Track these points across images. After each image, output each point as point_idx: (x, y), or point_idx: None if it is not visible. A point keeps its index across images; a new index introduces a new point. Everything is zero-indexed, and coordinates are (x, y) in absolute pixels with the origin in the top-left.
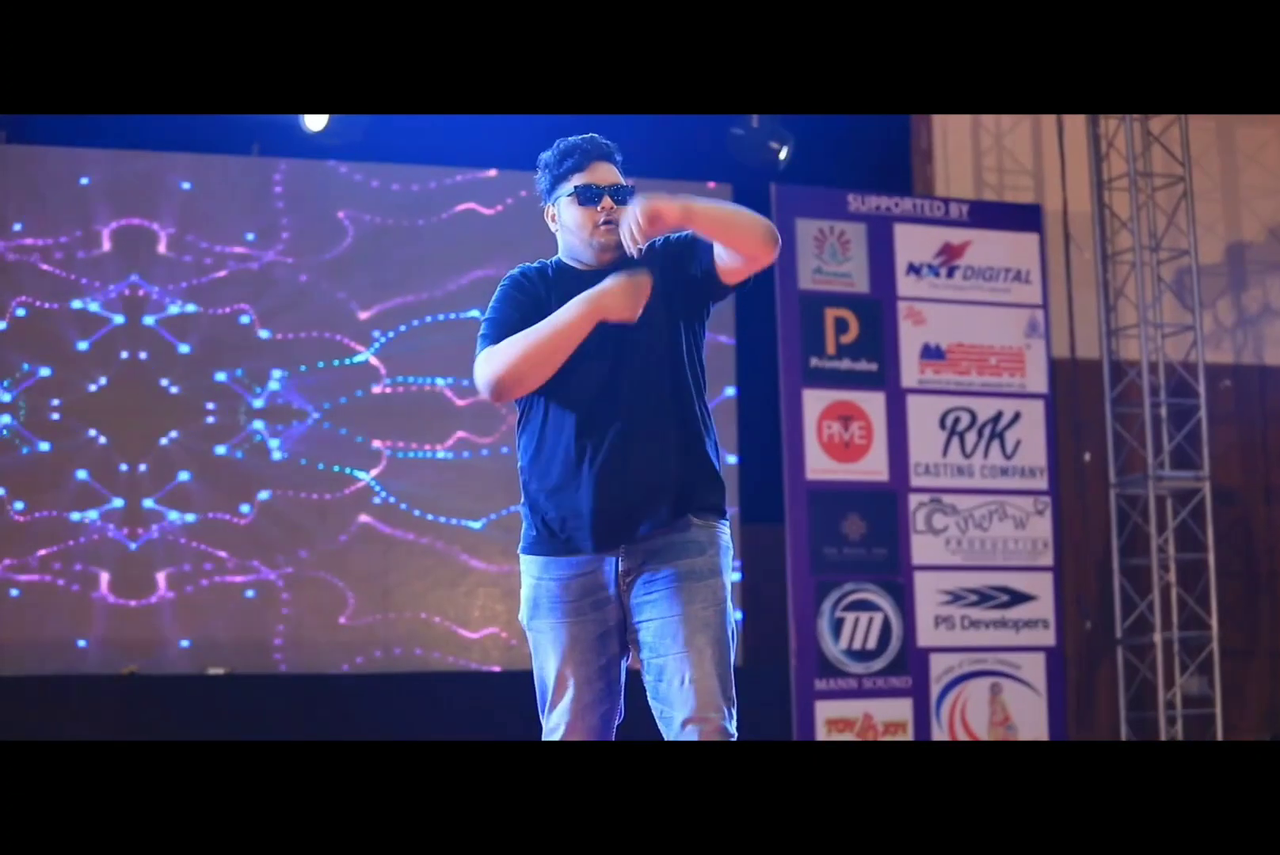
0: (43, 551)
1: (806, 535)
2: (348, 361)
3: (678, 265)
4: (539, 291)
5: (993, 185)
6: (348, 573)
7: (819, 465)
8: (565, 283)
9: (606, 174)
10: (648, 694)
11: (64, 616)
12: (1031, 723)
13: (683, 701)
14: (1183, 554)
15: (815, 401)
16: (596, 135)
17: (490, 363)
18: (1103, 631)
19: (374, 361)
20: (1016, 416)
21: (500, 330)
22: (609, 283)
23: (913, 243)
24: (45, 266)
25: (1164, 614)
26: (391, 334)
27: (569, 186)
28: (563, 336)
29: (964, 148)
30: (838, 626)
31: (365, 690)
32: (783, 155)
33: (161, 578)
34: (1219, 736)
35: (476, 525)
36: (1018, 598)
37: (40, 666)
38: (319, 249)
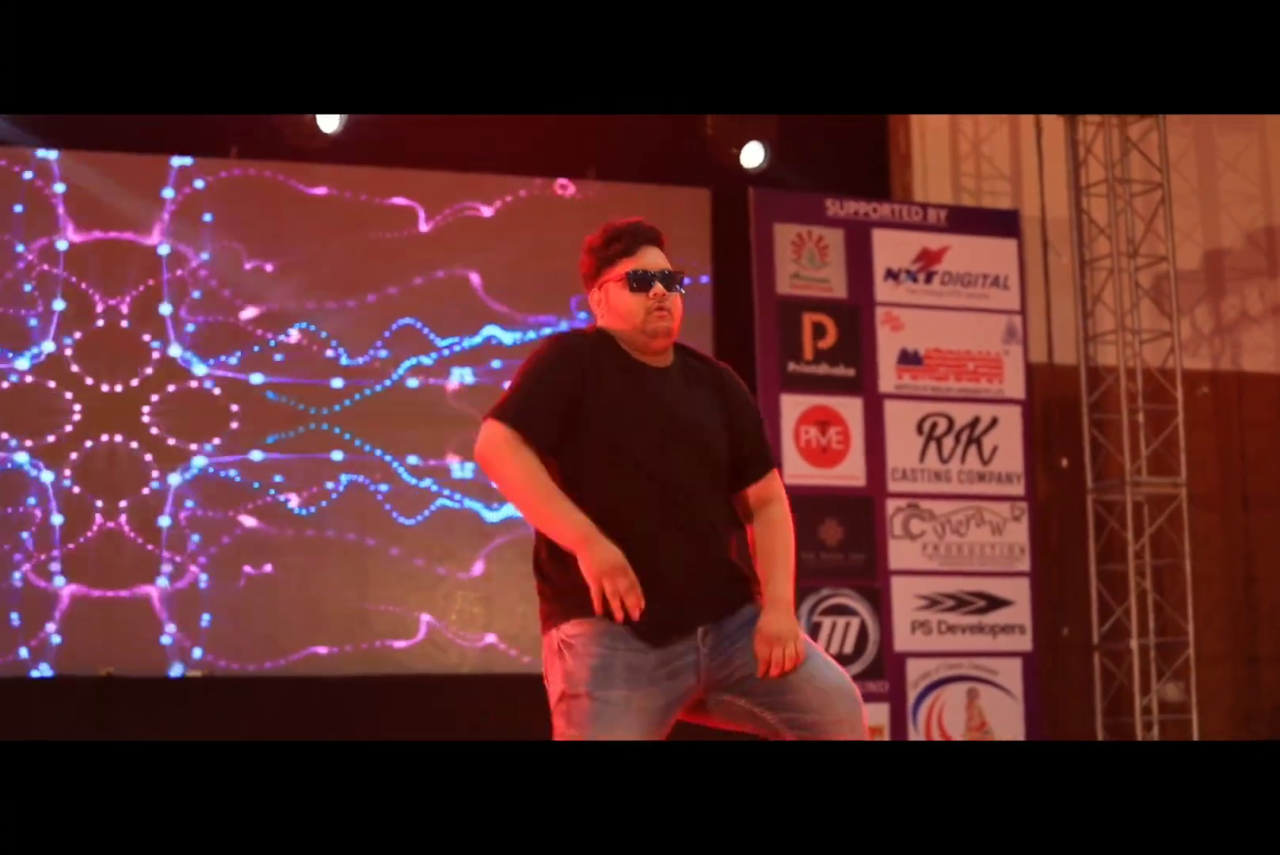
0: None
1: None
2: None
3: (735, 432)
4: (585, 365)
5: (971, 191)
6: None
7: (796, 470)
8: (613, 361)
9: (656, 259)
10: (755, 714)
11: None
12: (1008, 728)
13: (826, 702)
14: (1159, 560)
15: (793, 406)
16: (643, 220)
17: (498, 459)
18: (1079, 637)
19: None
20: (994, 422)
21: (527, 413)
22: (617, 567)
23: (891, 248)
24: None
25: (1140, 620)
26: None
27: (618, 271)
28: (550, 526)
29: (942, 153)
30: (814, 631)
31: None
32: (750, 158)
33: None
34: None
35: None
36: (994, 603)
37: None
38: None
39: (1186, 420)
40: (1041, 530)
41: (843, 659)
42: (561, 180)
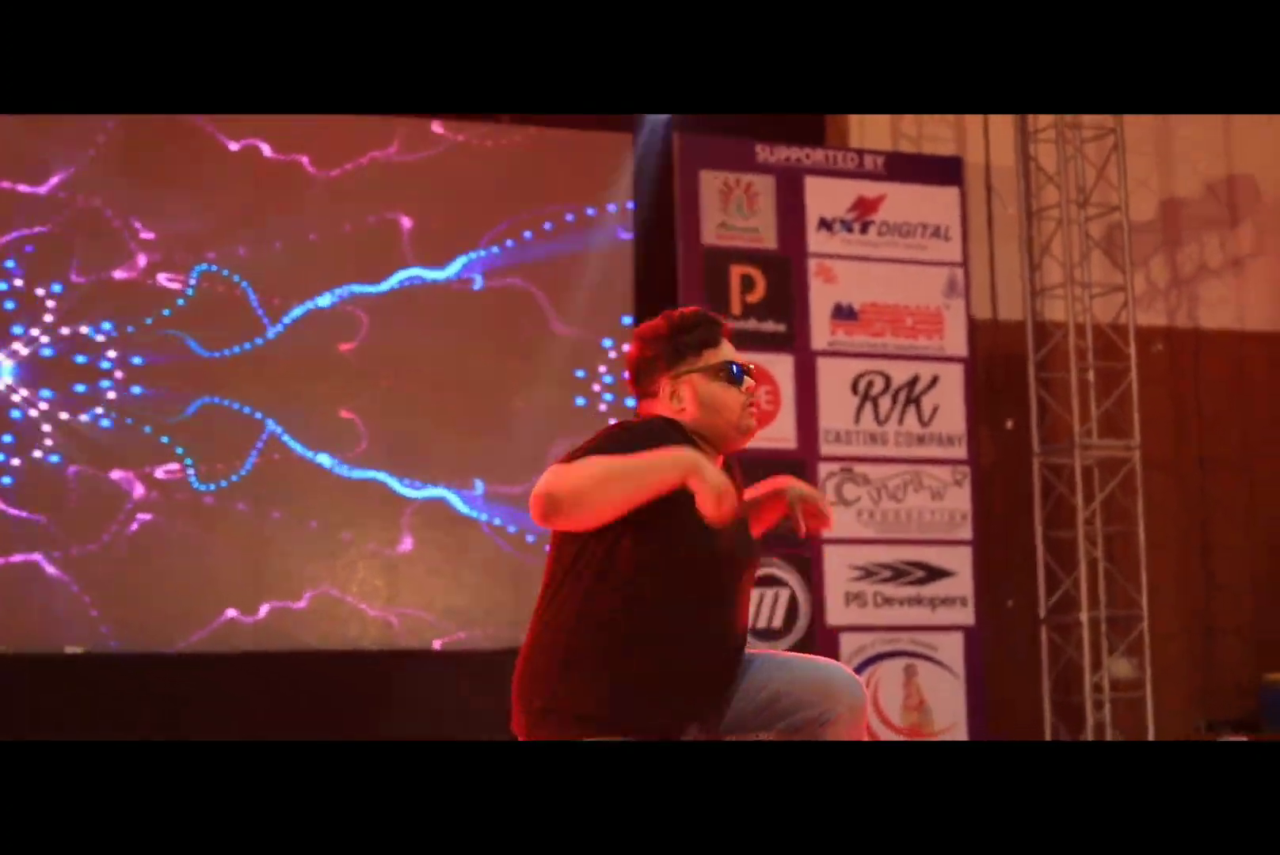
0: None
1: None
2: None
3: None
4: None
5: (911, 137)
6: None
7: None
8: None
9: (734, 352)
10: (762, 731)
11: None
12: (948, 707)
13: (827, 691)
14: (1111, 527)
15: None
16: (708, 312)
17: (558, 476)
18: (1025, 610)
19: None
20: (934, 381)
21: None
22: (714, 472)
23: (824, 196)
24: None
25: (1091, 591)
26: None
27: (705, 361)
28: (650, 484)
29: None
30: None
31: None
32: None
33: None
34: (1149, 721)
35: None
36: (934, 573)
37: None
38: None
39: (1140, 379)
40: (985, 496)
41: (772, 634)
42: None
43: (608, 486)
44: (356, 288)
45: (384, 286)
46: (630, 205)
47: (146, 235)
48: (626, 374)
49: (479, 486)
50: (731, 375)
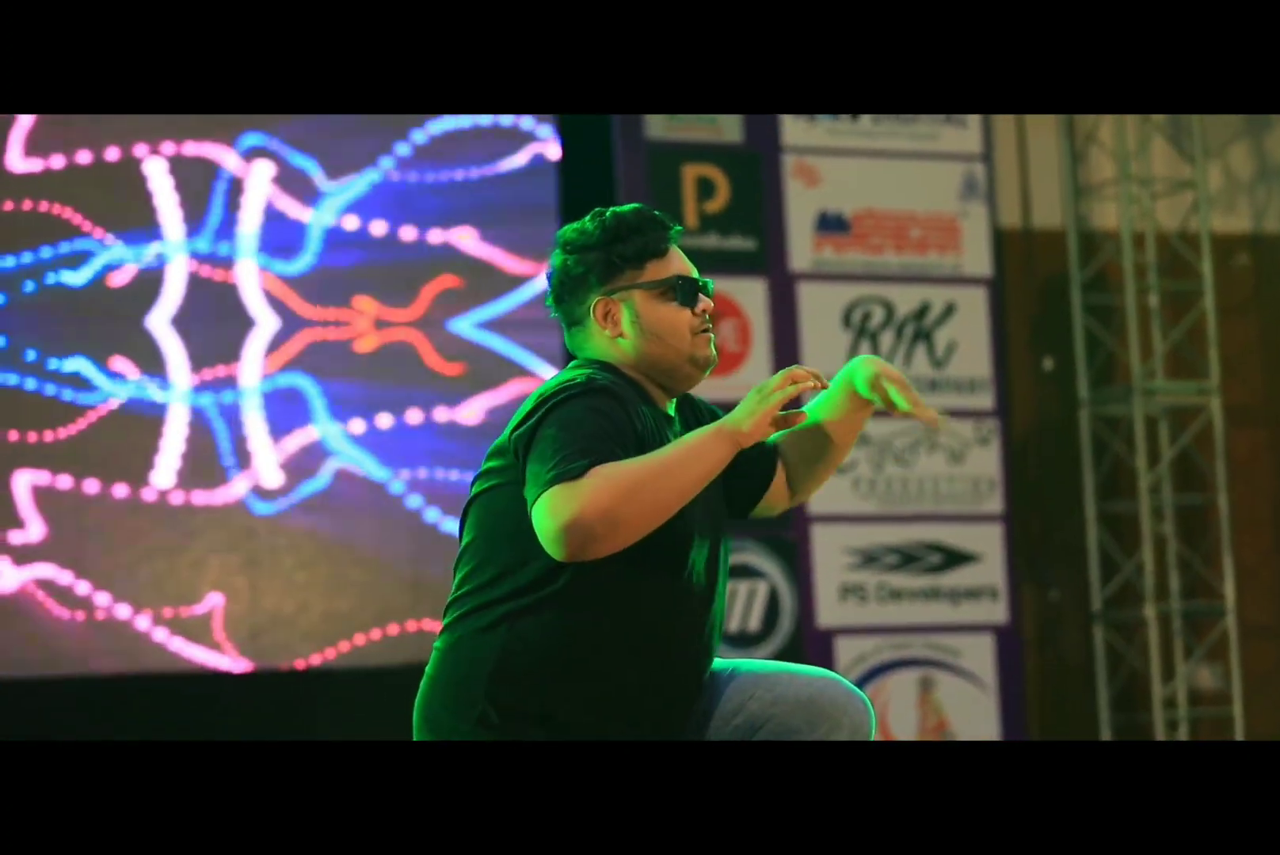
0: None
1: None
2: None
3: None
4: (632, 421)
5: None
6: None
7: None
8: (645, 415)
9: (687, 263)
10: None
11: None
12: (976, 730)
13: (817, 716)
14: (1183, 495)
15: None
16: (649, 207)
17: (571, 499)
18: (1074, 604)
19: None
20: (949, 310)
21: (600, 453)
22: (751, 415)
23: None
24: None
25: (1159, 579)
26: None
27: (648, 276)
28: (694, 480)
29: None
30: None
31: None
32: None
33: None
34: None
35: None
36: (955, 558)
37: None
38: None
39: (1218, 303)
40: (1019, 458)
41: (747, 640)
42: None
43: (642, 496)
44: None
45: None
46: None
47: None
48: (548, 294)
49: None
50: (681, 293)
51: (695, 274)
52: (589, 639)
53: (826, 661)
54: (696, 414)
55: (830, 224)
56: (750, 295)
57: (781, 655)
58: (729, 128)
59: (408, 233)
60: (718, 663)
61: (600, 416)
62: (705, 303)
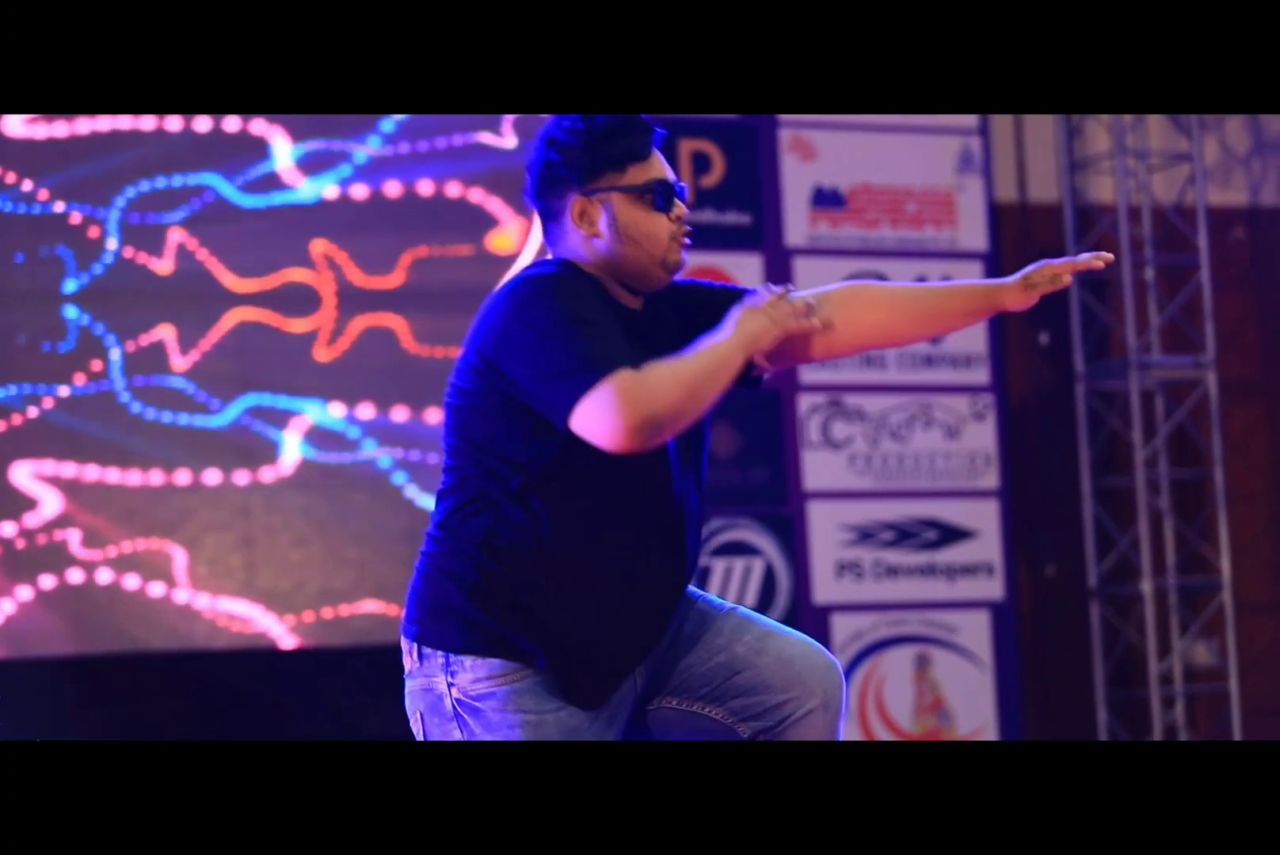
0: None
1: None
2: None
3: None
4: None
5: None
6: None
7: None
8: (611, 312)
9: (666, 168)
10: (695, 714)
11: None
12: (974, 707)
13: (788, 677)
14: (1180, 470)
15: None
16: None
17: (641, 396)
18: (1070, 580)
19: None
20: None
21: (613, 343)
22: (759, 318)
23: None
24: None
25: (1155, 554)
26: None
27: (628, 179)
28: (724, 383)
29: None
30: (703, 578)
31: None
32: None
33: None
34: (1234, 721)
35: None
36: (951, 534)
37: None
38: None
39: (1214, 276)
40: (1015, 433)
41: None
42: None
43: (700, 394)
44: None
45: None
46: None
47: None
48: (527, 183)
49: None
50: (660, 197)
51: (673, 178)
52: (567, 524)
53: (823, 638)
54: (683, 299)
55: (826, 199)
56: (746, 270)
57: None
58: None
59: (425, 188)
60: (717, 600)
61: (582, 303)
62: (680, 208)
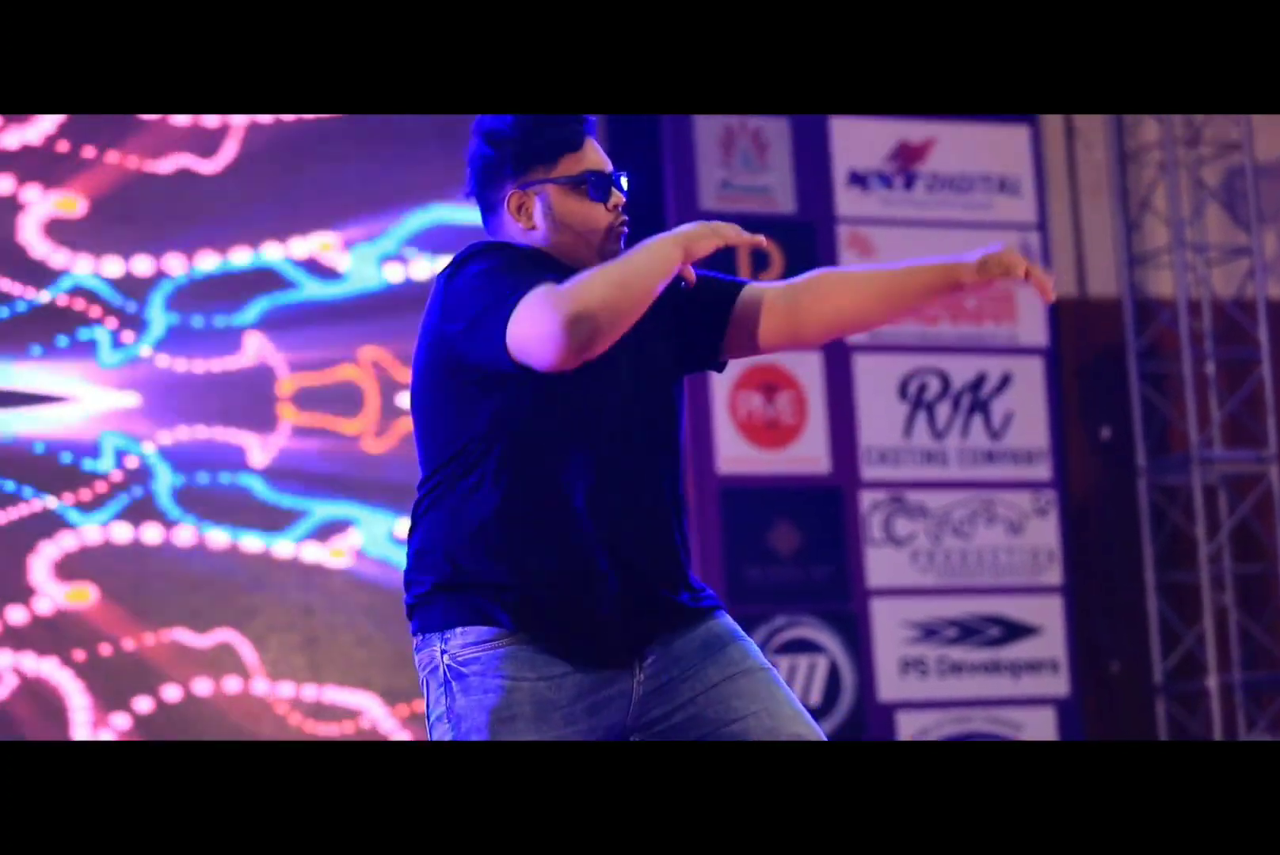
0: None
1: (720, 550)
2: None
3: (698, 302)
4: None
5: None
6: None
7: (733, 452)
8: None
9: (602, 157)
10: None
11: None
12: None
13: (781, 726)
14: (1244, 565)
15: (727, 366)
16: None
17: (568, 297)
18: (1136, 676)
19: None
20: (1006, 380)
21: (538, 277)
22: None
23: (856, 143)
24: None
25: (1221, 650)
26: None
27: (562, 170)
28: (658, 277)
29: None
30: None
31: None
32: None
33: None
34: None
35: None
36: (1015, 631)
37: None
38: None
39: (1276, 369)
40: (1077, 529)
41: (809, 714)
42: None
43: (631, 284)
44: None
45: None
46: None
47: None
48: (468, 178)
49: None
50: (594, 188)
51: (609, 168)
52: (529, 492)
53: (888, 735)
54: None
55: None
56: (806, 368)
57: (843, 730)
58: (782, 198)
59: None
60: (754, 648)
61: (513, 260)
62: (617, 197)
